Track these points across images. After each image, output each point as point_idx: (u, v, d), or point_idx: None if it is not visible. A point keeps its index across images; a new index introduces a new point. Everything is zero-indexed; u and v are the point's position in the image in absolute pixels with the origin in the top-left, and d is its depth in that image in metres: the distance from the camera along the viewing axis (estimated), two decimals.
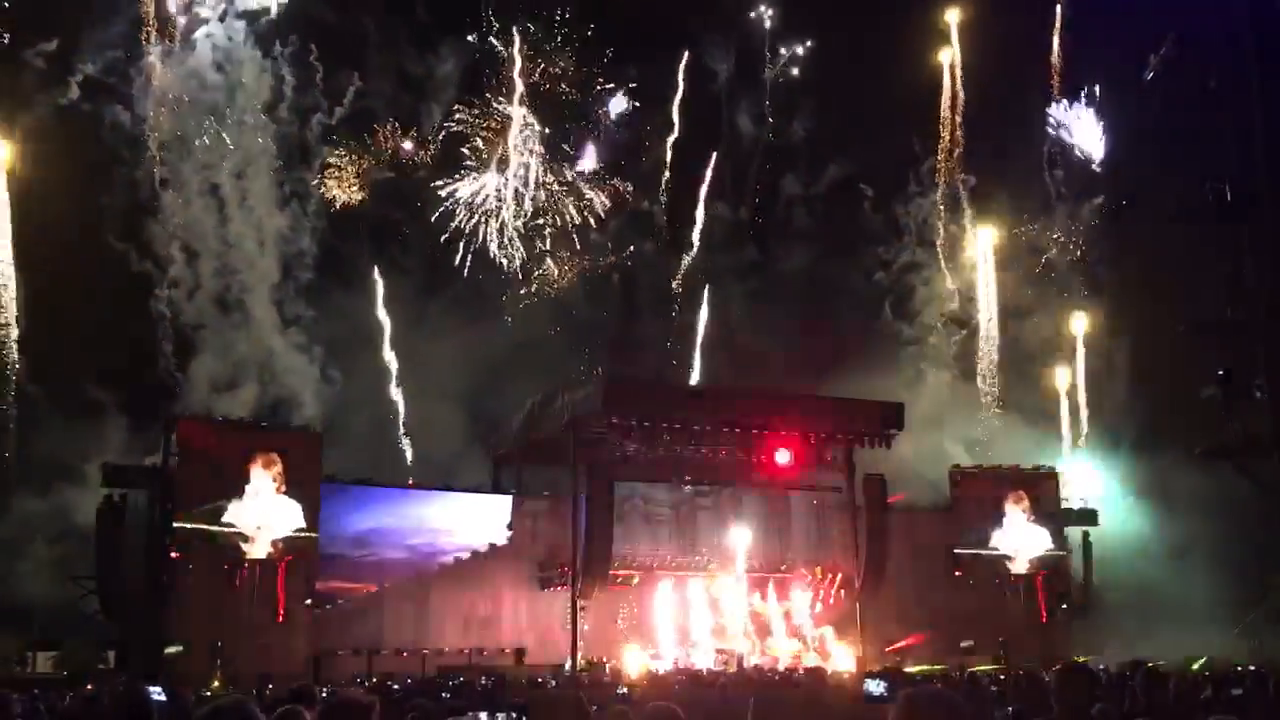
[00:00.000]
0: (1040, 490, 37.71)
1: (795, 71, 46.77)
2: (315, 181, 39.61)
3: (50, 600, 30.25)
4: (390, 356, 38.62)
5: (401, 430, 38.71)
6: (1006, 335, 43.98)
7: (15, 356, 33.55)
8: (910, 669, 29.84)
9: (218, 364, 35.34)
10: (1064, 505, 38.06)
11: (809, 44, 46.25)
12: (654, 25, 42.16)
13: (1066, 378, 43.49)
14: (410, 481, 35.81)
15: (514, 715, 9.80)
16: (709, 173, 45.08)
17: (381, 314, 39.30)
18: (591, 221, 42.84)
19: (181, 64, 37.27)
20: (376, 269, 39.87)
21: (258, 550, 29.64)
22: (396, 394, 38.30)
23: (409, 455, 38.62)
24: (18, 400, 33.31)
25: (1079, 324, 43.74)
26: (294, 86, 38.35)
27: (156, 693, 15.26)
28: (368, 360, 38.36)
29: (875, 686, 14.03)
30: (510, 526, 34.94)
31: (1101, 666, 20.42)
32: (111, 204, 35.29)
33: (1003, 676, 21.23)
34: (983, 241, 44.69)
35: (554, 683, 27.37)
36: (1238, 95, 41.24)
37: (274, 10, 38.02)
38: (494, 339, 38.71)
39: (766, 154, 46.08)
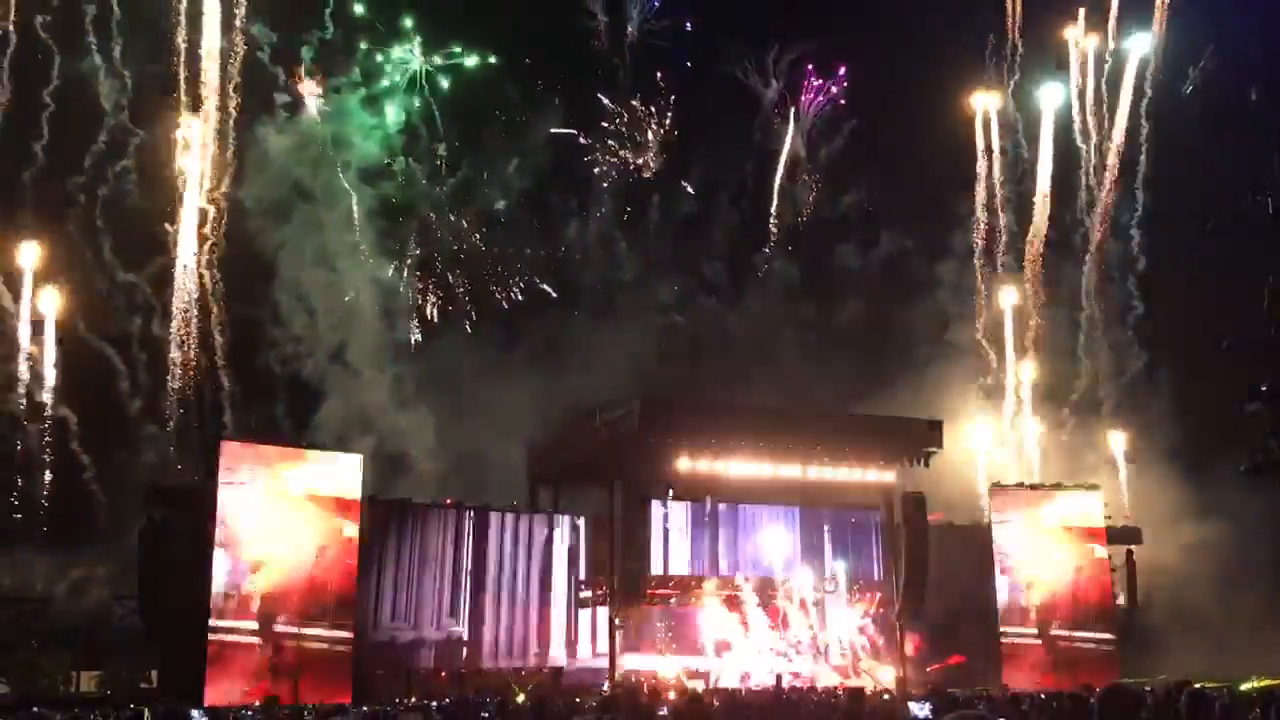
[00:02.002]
0: (1082, 508, 37.24)
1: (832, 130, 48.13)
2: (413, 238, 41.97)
3: (97, 619, 30.74)
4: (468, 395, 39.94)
5: (453, 455, 39.46)
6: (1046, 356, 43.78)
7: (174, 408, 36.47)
8: (954, 690, 29.54)
9: (335, 417, 37.49)
10: (1107, 523, 37.55)
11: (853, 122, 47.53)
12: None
13: (1105, 395, 43.11)
14: (449, 501, 35.93)
15: None
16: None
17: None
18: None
19: (290, 123, 39.68)
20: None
21: (296, 568, 29.81)
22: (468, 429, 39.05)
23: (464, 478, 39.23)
24: (176, 447, 35.42)
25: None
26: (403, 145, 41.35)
27: (198, 715, 15.39)
28: (452, 399, 39.51)
29: (920, 709, 13.92)
30: (548, 545, 35.01)
31: (1147, 688, 20.13)
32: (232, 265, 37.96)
33: (1043, 696, 20.97)
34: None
35: (592, 704, 27.28)
36: None
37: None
38: (564, 382, 39.21)
39: (818, 222, 47.53)
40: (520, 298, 43.62)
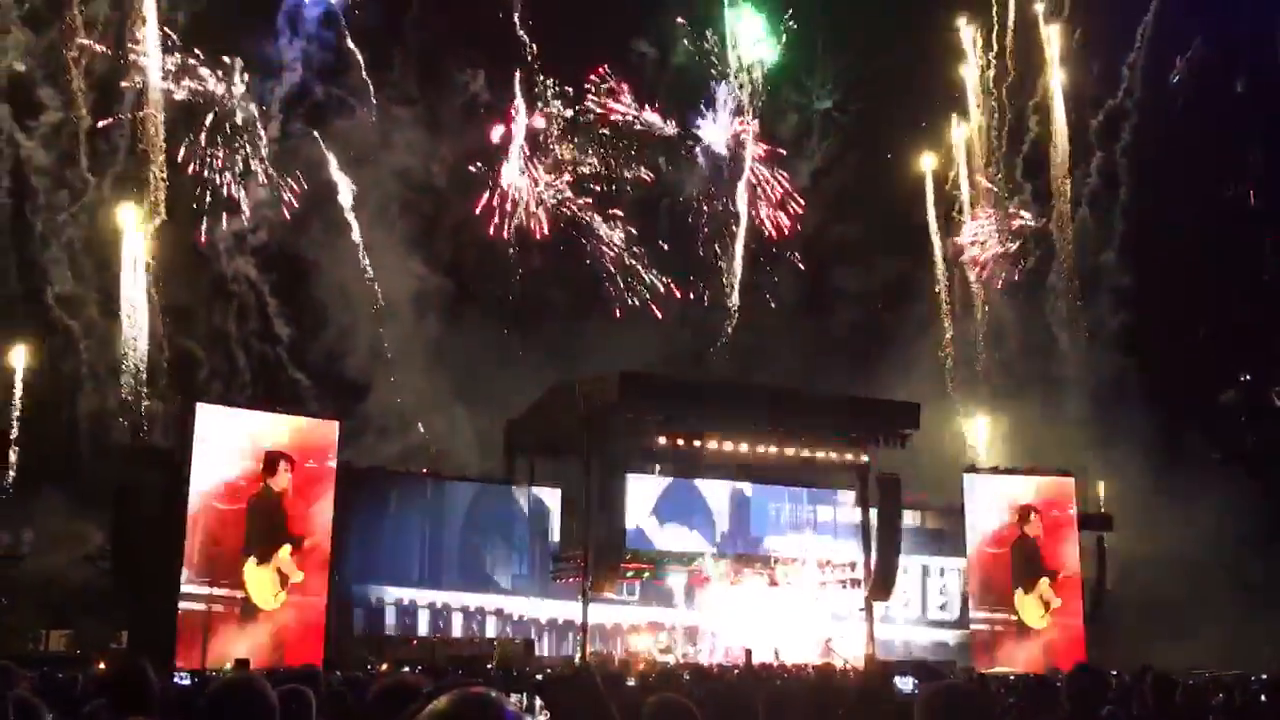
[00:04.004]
0: (1055, 493, 37.48)
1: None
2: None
3: (68, 578, 30.67)
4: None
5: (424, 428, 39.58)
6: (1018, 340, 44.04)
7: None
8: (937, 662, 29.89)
9: (378, 410, 38.01)
10: (1079, 509, 37.80)
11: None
12: None
13: (1079, 378, 43.34)
14: (425, 470, 35.90)
15: (528, 697, 9.85)
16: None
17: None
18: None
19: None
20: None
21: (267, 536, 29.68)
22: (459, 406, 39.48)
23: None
24: None
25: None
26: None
27: (181, 676, 15.38)
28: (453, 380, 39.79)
29: (904, 684, 14.18)
30: (523, 516, 35.01)
31: (1114, 673, 20.33)
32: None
33: (1012, 678, 21.16)
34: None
35: (564, 673, 27.41)
36: (1265, 98, 40.98)
37: None
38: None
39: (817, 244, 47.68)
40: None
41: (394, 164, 40.11)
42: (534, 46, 42.90)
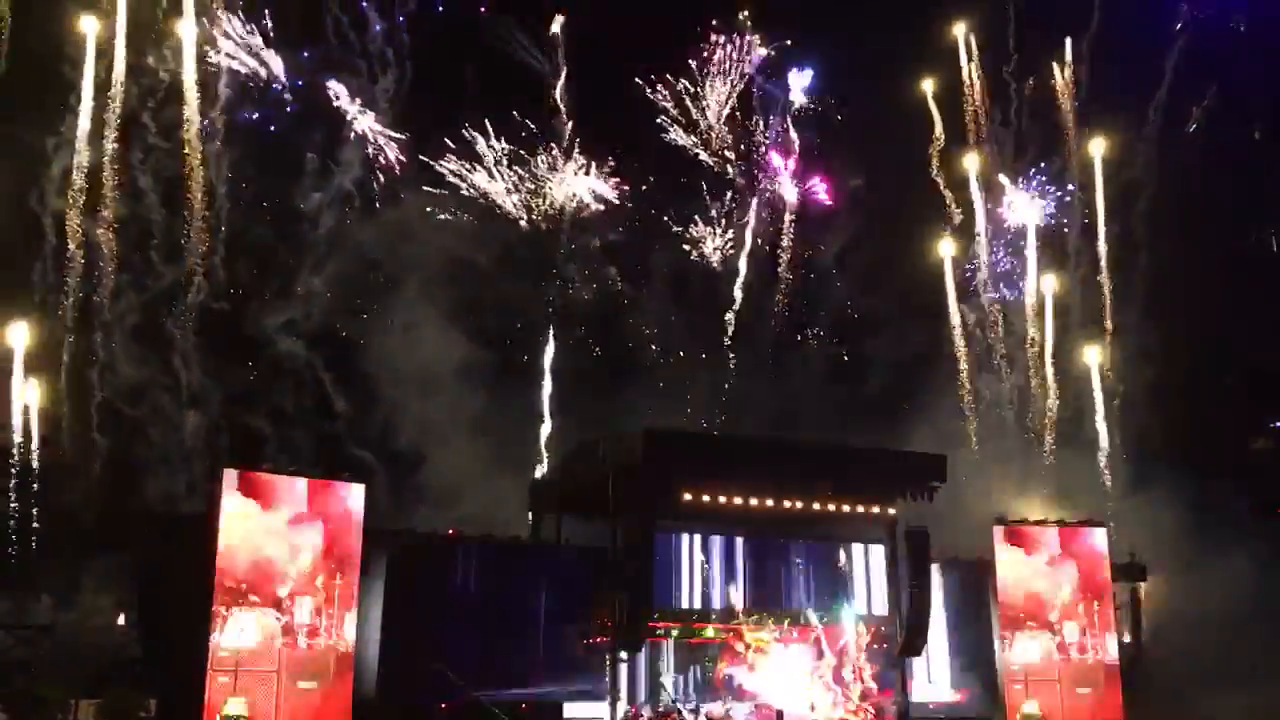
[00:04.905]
0: (1086, 544, 37.10)
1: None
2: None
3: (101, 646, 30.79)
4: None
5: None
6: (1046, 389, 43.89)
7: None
8: None
9: (436, 481, 38.32)
10: (1112, 560, 37.39)
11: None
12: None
13: (1107, 428, 43.11)
14: (451, 531, 35.87)
15: None
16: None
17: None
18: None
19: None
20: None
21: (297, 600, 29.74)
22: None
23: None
24: None
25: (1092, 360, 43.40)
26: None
27: None
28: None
29: None
30: (550, 577, 34.87)
31: None
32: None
33: None
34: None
35: None
36: None
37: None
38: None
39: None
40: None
41: (440, 245, 40.83)
42: (572, 126, 43.87)
